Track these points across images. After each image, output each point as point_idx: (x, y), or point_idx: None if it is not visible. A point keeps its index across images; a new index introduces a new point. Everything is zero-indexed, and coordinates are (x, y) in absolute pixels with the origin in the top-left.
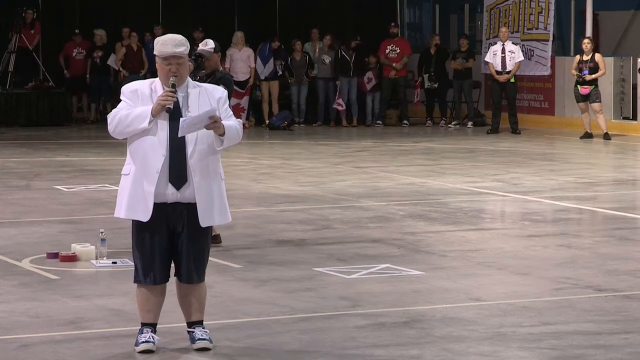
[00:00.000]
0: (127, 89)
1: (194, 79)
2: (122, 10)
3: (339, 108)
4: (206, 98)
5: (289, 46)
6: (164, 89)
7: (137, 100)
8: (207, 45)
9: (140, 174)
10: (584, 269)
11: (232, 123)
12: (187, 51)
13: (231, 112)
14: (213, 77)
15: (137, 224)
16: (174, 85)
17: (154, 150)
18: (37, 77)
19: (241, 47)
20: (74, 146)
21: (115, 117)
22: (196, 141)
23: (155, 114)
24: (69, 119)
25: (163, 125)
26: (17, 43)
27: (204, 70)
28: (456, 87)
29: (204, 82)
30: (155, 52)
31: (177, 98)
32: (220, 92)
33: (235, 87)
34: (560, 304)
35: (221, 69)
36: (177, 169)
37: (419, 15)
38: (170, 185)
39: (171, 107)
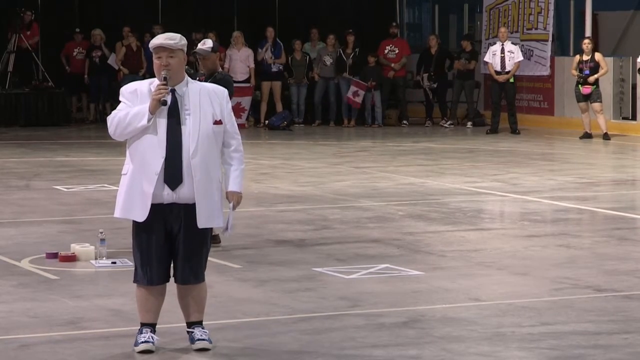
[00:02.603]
0: (126, 90)
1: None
2: (122, 10)
3: (355, 99)
4: (207, 97)
5: (289, 46)
6: None
7: (136, 101)
8: (206, 44)
9: (138, 174)
10: (583, 269)
11: (238, 170)
12: (180, 46)
13: (233, 118)
14: (213, 79)
15: (136, 224)
16: (165, 79)
17: (153, 150)
18: (36, 78)
19: (240, 47)
20: (74, 146)
21: (115, 119)
22: (198, 141)
23: (152, 111)
24: (69, 119)
25: (161, 124)
26: (17, 43)
27: (202, 70)
28: (457, 87)
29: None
30: (150, 48)
31: (169, 90)
32: (221, 92)
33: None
34: (560, 304)
35: (220, 69)
36: (173, 169)
37: (418, 16)
38: (165, 186)
39: (166, 99)
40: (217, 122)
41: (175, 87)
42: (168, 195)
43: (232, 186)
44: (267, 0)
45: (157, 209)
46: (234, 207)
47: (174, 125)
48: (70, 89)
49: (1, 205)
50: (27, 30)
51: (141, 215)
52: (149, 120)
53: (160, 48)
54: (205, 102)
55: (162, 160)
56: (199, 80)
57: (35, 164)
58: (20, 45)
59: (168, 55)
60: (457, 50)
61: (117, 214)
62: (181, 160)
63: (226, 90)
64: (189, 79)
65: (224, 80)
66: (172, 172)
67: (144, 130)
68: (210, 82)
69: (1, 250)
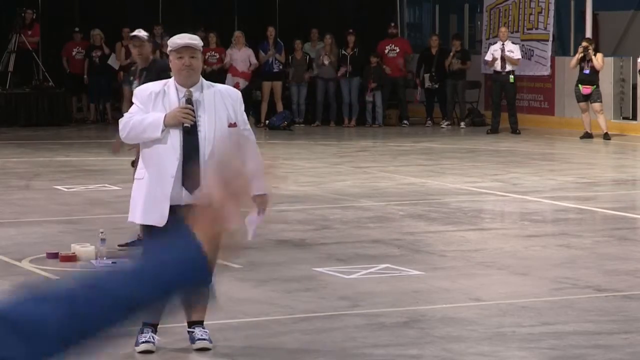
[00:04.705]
0: (141, 93)
1: (133, 74)
2: (122, 10)
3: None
4: (221, 100)
5: (291, 46)
6: (176, 88)
7: (149, 104)
8: (141, 32)
9: (155, 179)
10: (583, 269)
11: (259, 169)
12: (200, 47)
13: (247, 120)
14: (152, 68)
15: (149, 226)
16: (189, 101)
17: (168, 155)
18: (36, 78)
19: (241, 47)
20: (74, 146)
21: (129, 123)
22: (214, 145)
23: (168, 125)
24: (69, 119)
25: (176, 130)
26: (17, 43)
27: (137, 61)
28: (450, 87)
29: (143, 75)
30: (169, 48)
31: (195, 119)
32: (235, 95)
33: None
34: (560, 304)
35: (152, 57)
36: (191, 172)
37: (419, 15)
38: (184, 189)
39: (189, 125)
40: (232, 125)
41: (192, 89)
42: (186, 197)
43: (257, 189)
44: (268, 0)
45: (174, 211)
46: (263, 212)
47: (190, 129)
48: (70, 89)
49: (1, 205)
50: (29, 30)
51: (161, 220)
52: (162, 133)
53: (184, 48)
54: (220, 105)
55: (177, 163)
56: (134, 69)
57: (35, 164)
58: (20, 45)
59: (190, 55)
60: (447, 50)
61: (137, 219)
62: (199, 164)
63: (239, 92)
64: (204, 81)
65: (165, 67)
66: (191, 176)
67: None
68: (148, 74)
69: (1, 250)
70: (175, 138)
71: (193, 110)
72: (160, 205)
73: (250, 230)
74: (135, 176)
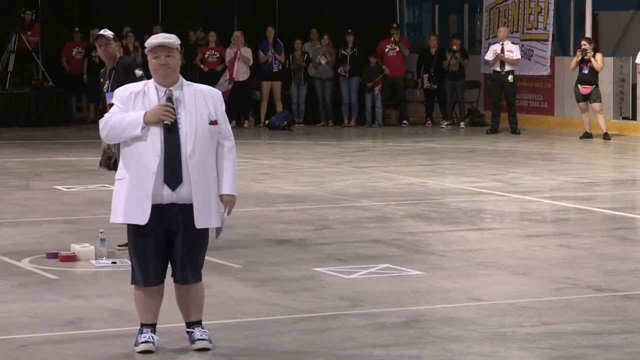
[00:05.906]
0: (120, 93)
1: (103, 75)
2: (122, 10)
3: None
4: (202, 98)
5: (291, 45)
6: (156, 88)
7: (129, 104)
8: (106, 31)
9: (136, 178)
10: (583, 269)
11: (231, 172)
12: (177, 45)
13: (227, 120)
14: (118, 66)
15: (133, 227)
16: (170, 99)
17: (149, 153)
18: (36, 78)
19: (240, 47)
20: (74, 146)
21: (108, 123)
22: (195, 141)
23: (148, 123)
24: (69, 119)
25: (156, 128)
26: (17, 43)
27: (104, 61)
28: (449, 87)
29: (112, 75)
30: (146, 49)
31: (175, 117)
32: (216, 94)
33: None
34: (560, 304)
35: (119, 56)
36: (172, 169)
37: (418, 15)
38: (165, 186)
39: (169, 123)
40: (213, 123)
41: (171, 88)
42: (168, 196)
43: (226, 189)
44: (268, 0)
45: (156, 210)
46: (228, 212)
47: (171, 127)
48: (70, 89)
49: (1, 205)
50: (28, 30)
51: (143, 219)
52: (142, 130)
53: (159, 47)
54: (201, 103)
55: (158, 159)
56: (104, 71)
57: (35, 164)
58: (20, 45)
59: (166, 54)
60: (445, 49)
61: (119, 219)
62: (180, 161)
63: (219, 92)
64: (183, 80)
65: (127, 64)
66: (172, 173)
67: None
68: (113, 67)
69: (1, 250)
70: (156, 136)
71: (173, 108)
72: (142, 203)
73: (220, 230)
74: (116, 177)
